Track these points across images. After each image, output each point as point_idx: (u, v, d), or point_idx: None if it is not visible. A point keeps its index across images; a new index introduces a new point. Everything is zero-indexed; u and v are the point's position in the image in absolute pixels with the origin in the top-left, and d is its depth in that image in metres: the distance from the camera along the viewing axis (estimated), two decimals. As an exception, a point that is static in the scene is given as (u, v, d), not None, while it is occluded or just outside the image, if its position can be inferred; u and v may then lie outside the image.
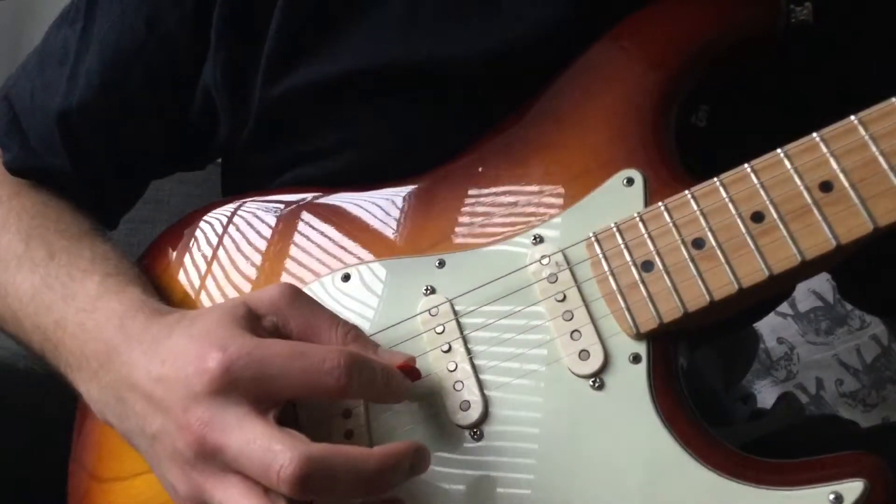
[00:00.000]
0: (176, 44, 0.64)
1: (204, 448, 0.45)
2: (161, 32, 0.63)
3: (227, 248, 0.63)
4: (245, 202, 0.66)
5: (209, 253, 0.64)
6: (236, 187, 0.70)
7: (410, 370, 0.51)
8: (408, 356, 0.50)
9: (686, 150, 0.56)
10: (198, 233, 0.65)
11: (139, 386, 0.49)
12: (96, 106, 0.65)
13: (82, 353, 0.55)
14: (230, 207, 0.66)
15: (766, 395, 1.39)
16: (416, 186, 0.61)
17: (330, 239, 0.61)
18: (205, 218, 0.66)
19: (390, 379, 0.48)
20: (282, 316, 0.49)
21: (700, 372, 0.88)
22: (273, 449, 0.43)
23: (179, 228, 0.67)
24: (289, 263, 0.61)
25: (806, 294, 1.45)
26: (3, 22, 1.58)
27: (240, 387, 0.45)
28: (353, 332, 0.50)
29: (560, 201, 0.55)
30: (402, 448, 0.45)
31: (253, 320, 0.49)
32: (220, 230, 0.65)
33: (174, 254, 0.66)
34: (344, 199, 0.62)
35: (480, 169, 0.59)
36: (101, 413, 0.55)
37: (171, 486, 0.49)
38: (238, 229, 0.64)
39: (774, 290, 0.54)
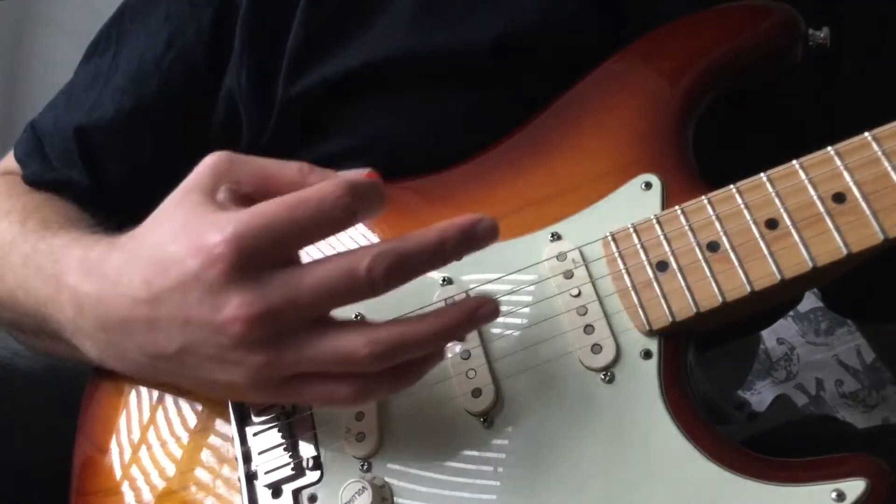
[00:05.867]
0: (193, 56, 0.65)
1: (268, 322, 0.43)
2: (178, 47, 0.65)
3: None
4: None
5: None
6: None
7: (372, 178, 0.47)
8: (365, 170, 0.49)
9: None
10: None
11: (131, 319, 0.47)
12: (117, 123, 0.67)
13: (60, 304, 0.53)
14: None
15: (766, 395, 1.39)
16: (435, 181, 0.62)
17: (350, 231, 0.61)
18: None
19: (377, 191, 0.45)
20: (231, 180, 0.47)
21: (698, 377, 0.89)
22: (346, 264, 0.43)
23: None
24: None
25: (806, 294, 1.43)
26: (3, 22, 1.59)
27: (259, 257, 0.43)
28: (305, 165, 0.47)
29: (578, 201, 0.56)
30: (461, 219, 0.45)
31: (213, 198, 0.46)
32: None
33: None
34: None
35: (500, 167, 0.60)
36: (101, 361, 0.53)
37: (225, 384, 0.47)
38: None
39: (784, 297, 0.56)
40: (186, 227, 0.44)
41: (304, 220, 0.43)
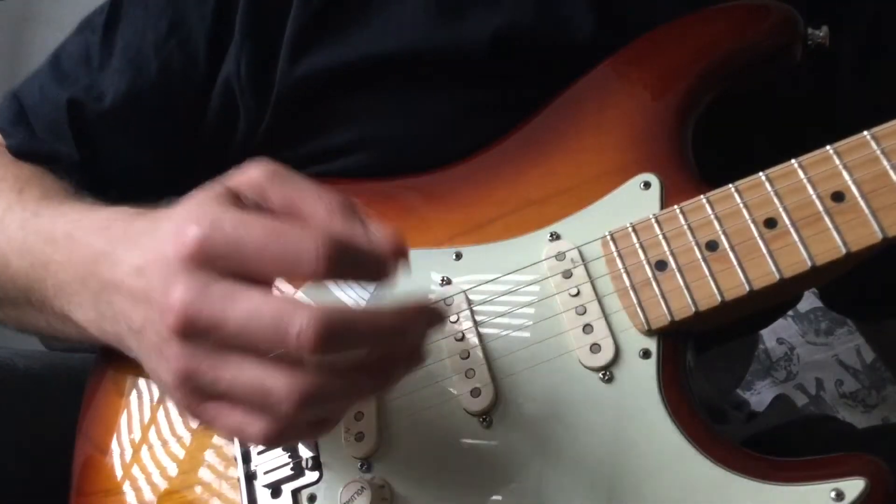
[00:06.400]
0: (194, 43, 0.65)
1: (194, 325, 0.40)
2: (182, 33, 0.65)
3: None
4: None
5: None
6: None
7: (400, 250, 0.44)
8: (397, 237, 0.43)
9: None
10: None
11: (122, 284, 0.47)
12: (112, 106, 0.66)
13: (70, 262, 0.52)
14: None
15: (766, 395, 1.39)
16: (434, 179, 0.62)
17: None
18: None
19: (377, 263, 0.42)
20: (262, 193, 0.45)
21: (697, 377, 0.89)
22: (283, 315, 0.39)
23: None
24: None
25: (806, 294, 1.43)
26: (3, 22, 1.59)
27: (218, 262, 0.41)
28: (339, 204, 0.44)
29: (577, 201, 0.56)
30: (415, 303, 0.43)
31: (233, 198, 0.44)
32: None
33: None
34: (362, 190, 0.63)
35: (499, 166, 0.60)
36: (98, 328, 0.52)
37: (161, 381, 0.45)
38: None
39: (783, 296, 0.55)
40: (187, 213, 0.44)
41: (271, 256, 0.40)
